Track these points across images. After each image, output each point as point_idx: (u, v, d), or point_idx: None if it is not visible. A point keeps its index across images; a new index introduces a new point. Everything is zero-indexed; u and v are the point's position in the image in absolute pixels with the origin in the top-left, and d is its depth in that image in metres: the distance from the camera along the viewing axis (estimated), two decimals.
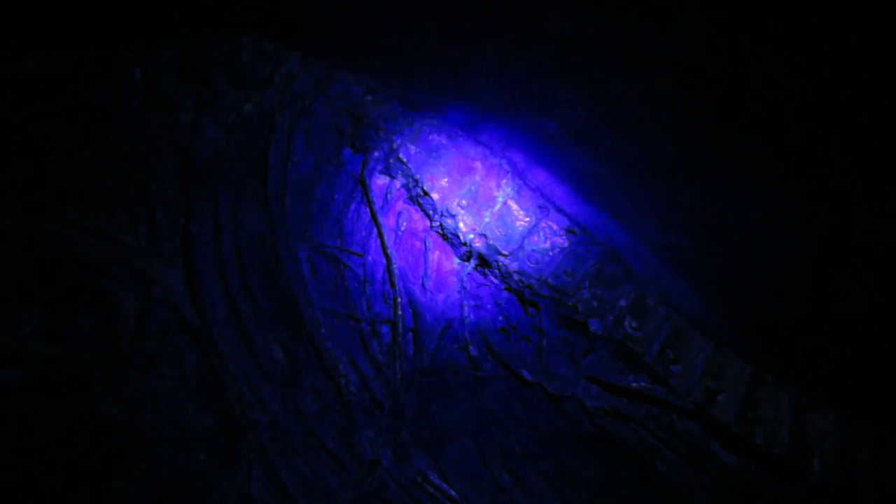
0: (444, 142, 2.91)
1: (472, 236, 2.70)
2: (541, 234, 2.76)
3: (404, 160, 2.80)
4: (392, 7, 3.28)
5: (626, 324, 2.57)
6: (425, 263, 2.75)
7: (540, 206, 2.84)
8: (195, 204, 2.80)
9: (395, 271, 2.70)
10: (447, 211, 2.73)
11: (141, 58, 3.12)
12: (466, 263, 2.74)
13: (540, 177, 3.05)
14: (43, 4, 3.11)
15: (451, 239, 2.74)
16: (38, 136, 3.01)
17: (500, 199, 2.80)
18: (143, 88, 3.06)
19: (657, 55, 3.02)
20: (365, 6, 3.30)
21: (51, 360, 2.62)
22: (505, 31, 3.32)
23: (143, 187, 2.87)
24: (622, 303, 2.61)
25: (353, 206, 2.84)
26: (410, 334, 2.64)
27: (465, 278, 2.73)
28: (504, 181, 2.84)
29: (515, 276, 2.68)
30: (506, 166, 2.91)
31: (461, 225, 2.71)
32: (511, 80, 3.20)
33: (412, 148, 2.83)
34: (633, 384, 2.50)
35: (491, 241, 2.68)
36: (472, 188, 2.79)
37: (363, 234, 2.80)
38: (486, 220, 2.73)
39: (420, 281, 2.73)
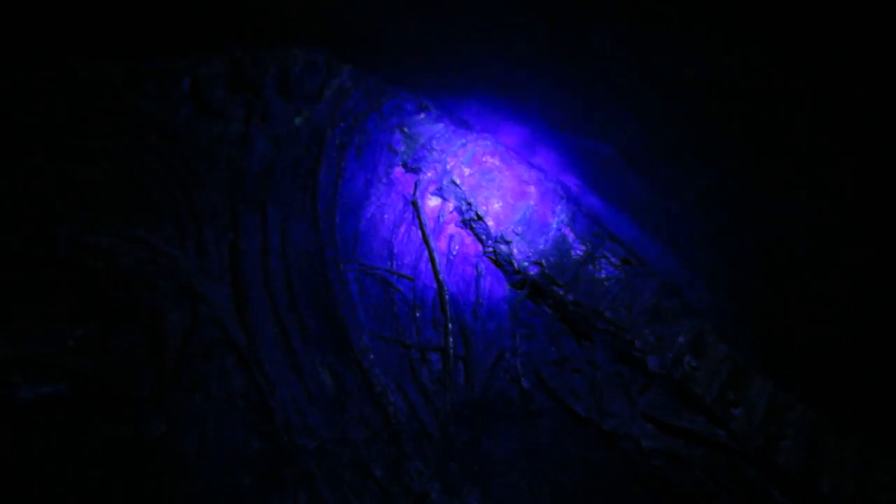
0: (497, 164, 2.86)
1: (526, 264, 2.64)
2: (596, 263, 2.70)
3: (458, 182, 2.75)
4: (446, 24, 3.24)
5: (686, 362, 2.50)
6: (477, 290, 2.69)
7: (595, 235, 2.78)
8: (244, 219, 2.76)
9: (447, 297, 2.65)
10: (501, 237, 2.67)
11: (191, 66, 3.09)
12: (520, 291, 2.69)
13: (594, 203, 3.00)
14: (95, 9, 3.08)
15: (504, 266, 2.69)
16: (87, 142, 2.98)
17: (555, 226, 2.74)
18: (192, 98, 3.02)
19: (716, 82, 2.95)
20: (418, 22, 3.26)
21: (95, 374, 2.59)
22: (559, 53, 3.26)
23: (190, 199, 2.83)
24: (681, 339, 2.54)
25: (403, 228, 2.79)
26: (461, 363, 2.58)
27: (517, 307, 2.67)
28: (559, 207, 2.79)
29: (571, 308, 2.62)
30: (560, 191, 2.86)
31: (515, 251, 2.66)
32: (565, 102, 3.15)
33: (466, 170, 2.78)
34: (692, 425, 2.43)
35: (546, 270, 2.63)
36: (527, 213, 2.73)
37: (413, 256, 2.75)
38: (541, 247, 2.68)
39: (471, 308, 2.68)
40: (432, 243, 2.73)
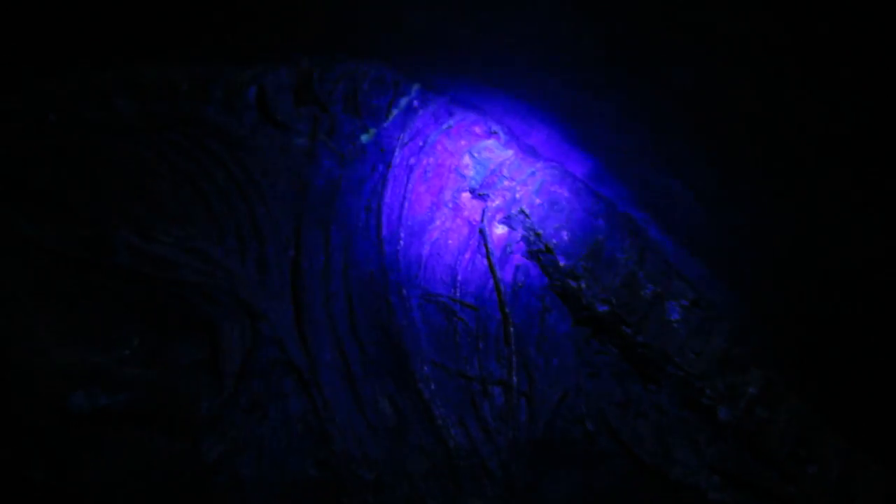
0: (566, 195, 2.81)
1: (594, 301, 2.59)
2: (665, 304, 2.64)
3: (527, 212, 2.71)
4: (516, 50, 3.18)
5: (757, 413, 2.44)
6: (541, 324, 2.64)
7: (664, 273, 2.73)
8: (306, 236, 2.73)
9: (511, 329, 2.59)
10: (570, 271, 2.62)
11: (257, 76, 3.05)
12: (586, 329, 2.63)
13: (661, 238, 2.94)
14: (161, 11, 3.05)
15: (571, 301, 2.63)
16: (150, 147, 2.95)
17: (624, 263, 2.69)
18: (257, 108, 2.98)
19: (798, 127, 2.89)
20: (485, 42, 3.21)
21: (152, 387, 2.56)
22: (629, 80, 3.21)
23: (252, 213, 2.80)
24: (752, 390, 2.49)
25: (468, 255, 2.75)
26: (524, 399, 2.54)
27: (582, 344, 2.61)
28: (628, 243, 2.74)
29: (639, 350, 2.57)
30: (630, 225, 2.81)
31: (584, 287, 2.61)
32: (634, 133, 3.09)
33: (536, 200, 2.73)
34: (762, 480, 2.36)
35: (615, 309, 2.57)
36: (596, 248, 2.68)
37: (477, 285, 2.71)
38: (610, 284, 2.62)
39: (535, 342, 2.63)
40: (498, 273, 2.68)
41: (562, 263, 2.69)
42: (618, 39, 3.17)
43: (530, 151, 2.98)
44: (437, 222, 2.85)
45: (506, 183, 2.80)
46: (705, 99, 3.14)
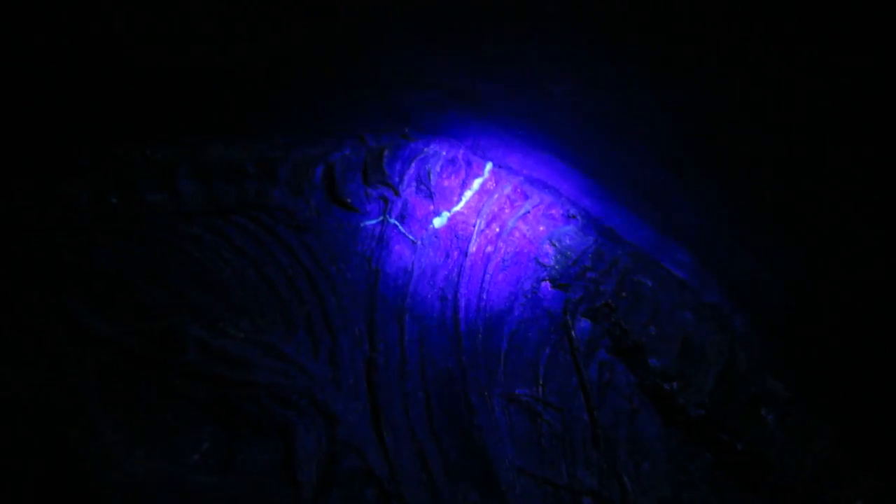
0: (650, 284, 2.71)
1: (687, 404, 2.47)
2: (762, 406, 2.51)
3: (612, 306, 2.61)
4: (586, 123, 3.08)
5: None
6: (630, 426, 2.52)
7: (757, 372, 2.63)
8: (380, 329, 2.63)
9: (600, 432, 2.47)
10: (660, 371, 2.50)
11: (324, 154, 2.96)
12: (677, 432, 2.50)
13: (749, 329, 2.81)
14: (225, 88, 2.97)
15: (662, 402, 2.51)
16: (213, 231, 2.86)
17: (715, 359, 2.58)
18: (324, 189, 2.89)
19: None
20: (558, 118, 3.12)
21: (219, 495, 2.43)
22: (710, 159, 3.10)
23: (322, 303, 2.71)
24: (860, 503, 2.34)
25: (548, 350, 2.65)
26: None
27: (674, 449, 2.49)
28: (719, 338, 2.62)
29: (736, 456, 2.43)
30: (719, 317, 2.68)
31: (676, 388, 2.48)
32: (717, 215, 2.97)
33: (620, 292, 2.63)
34: None
35: (711, 413, 2.45)
36: (685, 345, 2.58)
37: (560, 383, 2.60)
38: (703, 385, 2.50)
39: (624, 446, 2.51)
40: (583, 370, 2.56)
41: (651, 362, 2.58)
42: (695, 115, 3.08)
43: (610, 236, 2.89)
44: (516, 313, 2.75)
45: (588, 274, 2.70)
46: (792, 179, 3.04)
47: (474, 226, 2.82)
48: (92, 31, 2.59)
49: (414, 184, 2.92)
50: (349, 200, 2.90)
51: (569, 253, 2.75)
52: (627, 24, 2.87)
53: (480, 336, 2.69)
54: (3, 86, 2.65)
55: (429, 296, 2.77)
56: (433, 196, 2.91)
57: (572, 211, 2.90)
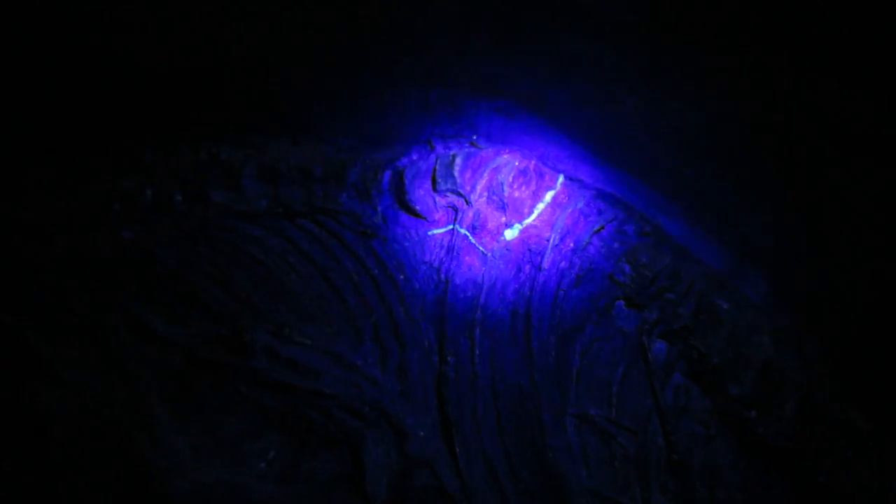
0: (725, 307, 2.66)
1: (767, 433, 2.43)
2: (841, 437, 2.46)
3: (690, 328, 2.56)
4: (656, 138, 3.03)
5: None
6: (706, 452, 2.48)
7: (836, 399, 2.56)
8: (450, 341, 2.58)
9: (675, 458, 2.42)
10: (739, 396, 2.45)
11: (392, 160, 2.91)
12: (755, 460, 2.46)
13: (823, 352, 2.76)
14: (292, 88, 2.91)
15: (739, 430, 2.47)
16: (278, 234, 2.81)
17: (794, 386, 2.55)
18: (392, 194, 2.84)
19: None
20: (628, 130, 3.06)
21: None
22: (776, 175, 3.05)
23: (390, 313, 2.68)
24: None
25: (621, 370, 2.62)
26: None
27: (753, 477, 2.44)
28: (797, 364, 2.57)
29: (815, 486, 2.38)
30: (795, 342, 2.64)
31: (754, 416, 2.44)
32: (784, 229, 2.91)
33: (699, 315, 2.57)
34: None
35: (791, 443, 2.41)
36: (764, 371, 2.54)
37: (635, 404, 2.57)
38: (783, 413, 2.46)
39: (701, 473, 2.45)
40: (658, 393, 2.51)
41: (728, 386, 2.53)
42: (773, 135, 3.03)
43: (685, 255, 2.85)
44: (588, 331, 2.70)
45: (667, 295, 2.66)
46: (877, 204, 2.98)
47: (548, 240, 2.77)
48: (158, 28, 2.54)
49: (486, 194, 2.88)
50: (417, 208, 2.85)
51: (645, 272, 2.71)
52: (702, 38, 2.83)
53: (553, 353, 2.64)
54: (69, 79, 2.60)
55: (499, 309, 2.73)
56: (506, 207, 2.86)
57: (646, 228, 2.86)
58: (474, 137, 3.10)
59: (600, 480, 2.52)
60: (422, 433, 2.51)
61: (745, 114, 3.06)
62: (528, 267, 2.77)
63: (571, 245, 2.78)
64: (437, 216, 2.90)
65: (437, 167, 2.93)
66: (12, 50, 2.42)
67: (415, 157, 2.99)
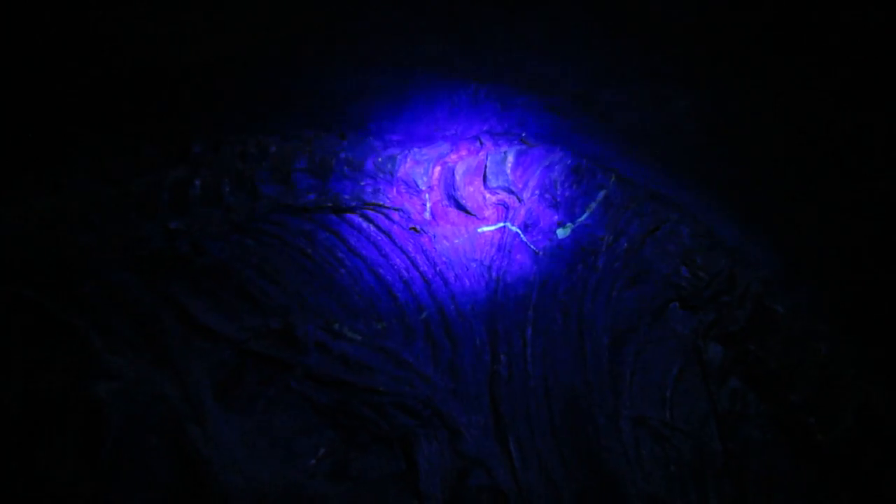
0: (781, 312, 2.64)
1: (826, 440, 2.38)
2: None
3: (746, 331, 2.51)
4: (710, 136, 3.00)
5: None
6: (763, 459, 2.44)
7: (893, 409, 2.51)
8: (503, 339, 2.56)
9: (732, 463, 2.39)
10: (799, 403, 2.41)
11: (440, 155, 2.90)
12: (813, 467, 2.42)
13: (875, 354, 2.72)
14: (338, 81, 2.89)
15: (798, 437, 2.43)
16: (326, 228, 2.79)
17: (853, 393, 2.50)
18: (441, 189, 2.81)
19: None
20: (679, 129, 3.03)
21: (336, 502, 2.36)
22: (830, 181, 3.02)
23: (441, 309, 2.65)
24: None
25: (674, 372, 2.60)
26: None
27: (811, 485, 2.41)
28: (854, 371, 2.52)
29: (876, 498, 2.34)
30: (852, 348, 2.59)
31: (813, 424, 2.41)
32: (831, 232, 2.88)
33: (754, 317, 2.54)
34: None
35: (852, 451, 2.36)
36: (822, 377, 2.50)
37: (689, 408, 2.55)
38: (842, 420, 2.43)
39: (757, 479, 2.42)
40: (714, 398, 2.48)
41: (786, 393, 2.49)
42: (829, 139, 2.99)
43: (740, 258, 2.81)
44: (642, 333, 2.67)
45: (723, 298, 2.63)
46: None
47: (602, 240, 2.74)
48: (207, 21, 2.52)
49: (537, 192, 2.85)
50: (468, 205, 2.83)
51: (701, 274, 2.68)
52: (760, 39, 2.79)
53: (606, 354, 2.61)
54: (120, 70, 2.58)
55: (551, 309, 2.70)
56: (557, 206, 2.83)
57: (700, 230, 2.82)
58: (523, 135, 3.08)
59: (656, 484, 2.49)
60: (475, 432, 2.49)
61: (800, 117, 3.03)
62: (580, 267, 2.74)
63: (625, 245, 2.76)
64: (487, 213, 2.87)
65: (489, 164, 2.90)
66: (67, 43, 2.41)
67: (464, 153, 2.97)
